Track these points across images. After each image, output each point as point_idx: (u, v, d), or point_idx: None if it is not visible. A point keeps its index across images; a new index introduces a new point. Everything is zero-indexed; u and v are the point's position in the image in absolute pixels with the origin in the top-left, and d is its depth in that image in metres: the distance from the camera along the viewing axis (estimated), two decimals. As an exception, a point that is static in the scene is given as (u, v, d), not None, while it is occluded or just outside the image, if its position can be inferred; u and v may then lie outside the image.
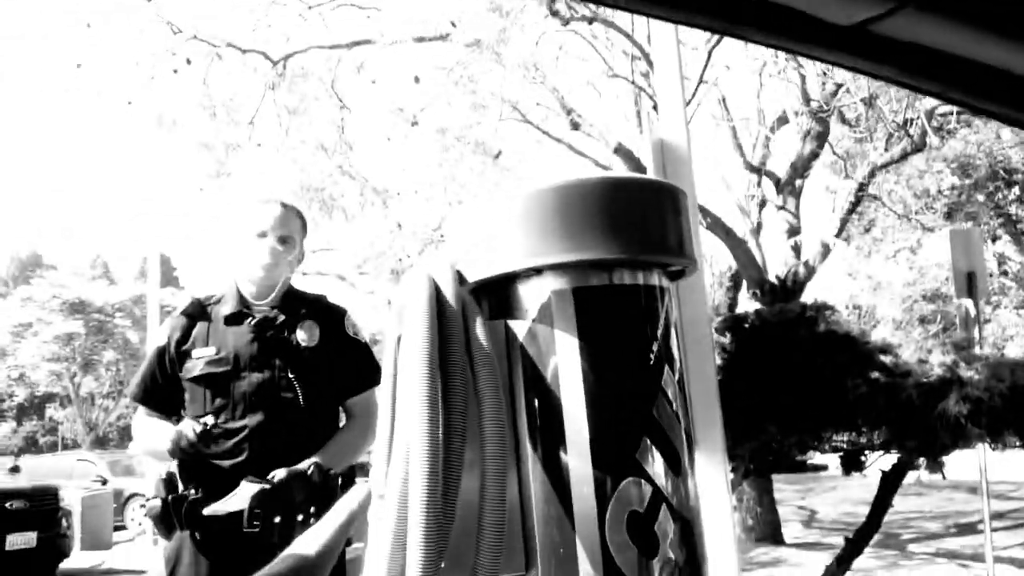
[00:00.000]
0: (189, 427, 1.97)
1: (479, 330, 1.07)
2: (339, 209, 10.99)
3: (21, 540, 8.18)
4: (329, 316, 2.27)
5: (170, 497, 1.98)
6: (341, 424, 2.28)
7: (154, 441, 2.13)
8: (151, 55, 6.98)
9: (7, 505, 8.17)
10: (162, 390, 2.19)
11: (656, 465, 1.05)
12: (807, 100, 8.30)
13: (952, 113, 8.22)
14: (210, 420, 1.99)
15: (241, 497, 1.92)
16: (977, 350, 3.50)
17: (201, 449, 1.96)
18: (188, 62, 7.13)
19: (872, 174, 8.28)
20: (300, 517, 1.94)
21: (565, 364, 1.06)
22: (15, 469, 10.60)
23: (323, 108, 8.59)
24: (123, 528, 13.30)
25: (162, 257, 12.54)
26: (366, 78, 8.26)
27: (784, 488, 12.43)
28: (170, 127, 7.48)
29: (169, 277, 39.79)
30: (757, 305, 8.20)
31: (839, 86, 8.26)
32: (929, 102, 7.25)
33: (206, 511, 1.93)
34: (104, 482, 13.39)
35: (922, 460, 2.81)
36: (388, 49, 7.61)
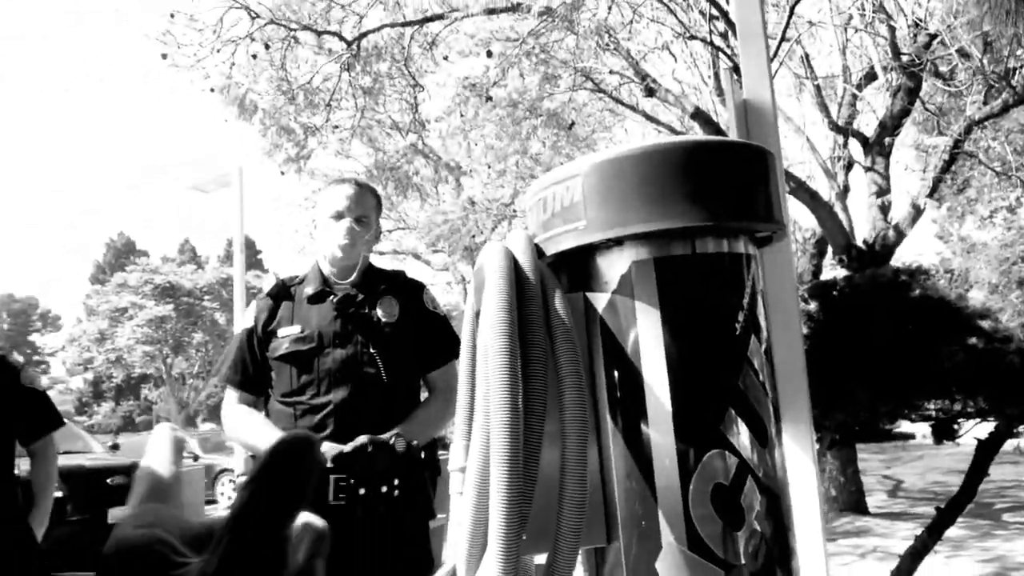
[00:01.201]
0: None
1: (558, 303, 1.05)
2: (413, 187, 11.12)
3: (122, 514, 8.67)
4: (408, 291, 2.30)
5: None
6: (423, 399, 2.32)
7: (254, 441, 2.15)
8: (231, 41, 7.15)
9: (109, 480, 8.68)
10: (252, 371, 2.25)
11: (742, 437, 1.02)
12: (897, 54, 7.86)
13: (1058, 60, 7.65)
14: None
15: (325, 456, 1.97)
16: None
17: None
18: (267, 47, 7.28)
19: (968, 130, 7.79)
20: (384, 489, 1.97)
21: (646, 336, 1.03)
22: (115, 447, 11.24)
23: (396, 87, 8.67)
24: (214, 502, 13.97)
25: (247, 240, 12.97)
26: (438, 55, 8.25)
27: (868, 458, 12.07)
28: (251, 112, 7.68)
29: (253, 260, 41.28)
30: (842, 272, 7.90)
31: (932, 37, 7.79)
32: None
33: None
34: (196, 458, 14.03)
35: (1022, 428, 2.66)
36: (459, 23, 7.60)
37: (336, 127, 8.39)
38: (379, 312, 2.21)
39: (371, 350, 2.16)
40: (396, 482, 1.99)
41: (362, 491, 1.96)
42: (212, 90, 7.47)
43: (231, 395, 2.29)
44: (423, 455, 2.10)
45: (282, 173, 8.38)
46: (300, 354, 2.18)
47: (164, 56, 7.03)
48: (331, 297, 2.23)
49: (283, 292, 2.30)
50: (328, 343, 2.17)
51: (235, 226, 11.13)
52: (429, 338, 2.27)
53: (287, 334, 2.21)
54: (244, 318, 2.34)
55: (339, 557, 2.03)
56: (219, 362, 2.39)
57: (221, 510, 13.32)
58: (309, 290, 2.26)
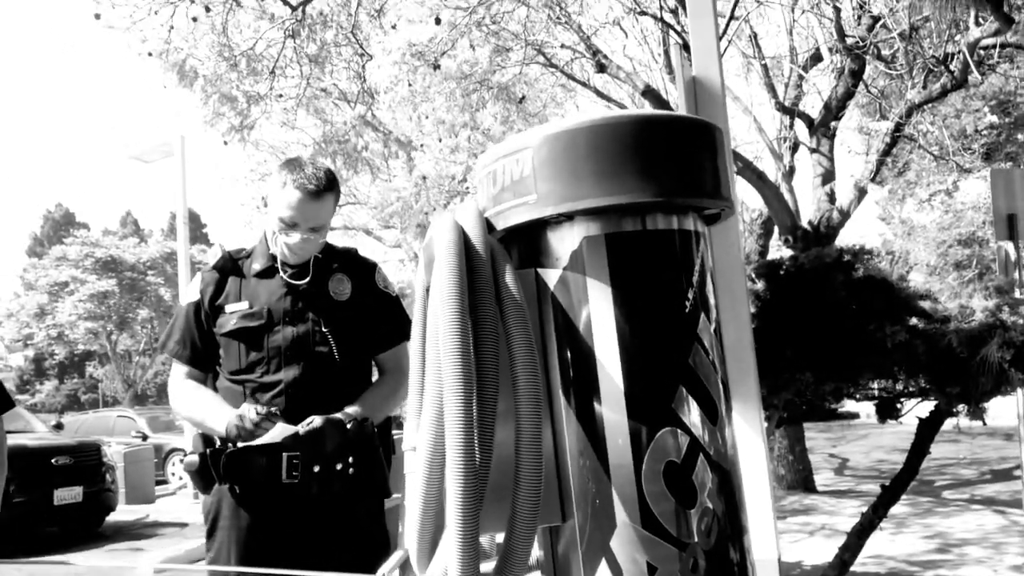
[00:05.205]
0: (251, 410, 1.95)
1: (509, 279, 1.03)
2: (363, 161, 10.92)
3: (68, 495, 8.44)
4: (360, 269, 2.24)
5: (208, 451, 1.97)
6: (374, 380, 2.27)
7: (204, 418, 2.09)
8: (169, 3, 6.85)
9: (53, 461, 8.41)
10: (201, 346, 2.17)
11: (693, 415, 1.02)
12: (842, 36, 7.98)
13: (994, 47, 7.87)
14: (263, 409, 1.97)
15: (274, 435, 1.93)
16: (1019, 294, 3.41)
17: (264, 428, 1.93)
18: (207, 10, 7.00)
19: (909, 113, 7.96)
20: (339, 467, 1.94)
21: (598, 313, 1.02)
22: (58, 426, 10.89)
23: (343, 56, 8.45)
24: (164, 483, 13.67)
25: (191, 213, 12.60)
26: (386, 23, 8.07)
27: (815, 437, 12.42)
28: (192, 79, 7.40)
29: (198, 233, 40.23)
30: (788, 252, 8.05)
31: (876, 20, 7.92)
32: (972, 34, 6.93)
33: (240, 444, 1.92)
34: (144, 438, 13.74)
35: (961, 407, 2.75)
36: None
37: (280, 96, 8.16)
38: (331, 289, 2.15)
39: (323, 328, 2.10)
40: (351, 460, 1.95)
41: (316, 468, 1.92)
42: (150, 54, 7.18)
43: (179, 369, 2.21)
44: (376, 432, 2.07)
45: (225, 143, 8.12)
46: (249, 331, 2.11)
47: (97, 16, 6.71)
48: (279, 273, 2.15)
49: (230, 266, 2.20)
50: (278, 320, 2.11)
51: (178, 198, 10.79)
52: (380, 319, 2.22)
53: (235, 310, 2.13)
54: (189, 291, 2.24)
55: (294, 535, 2.01)
56: (164, 335, 2.26)
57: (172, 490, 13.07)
58: (257, 266, 2.18)
